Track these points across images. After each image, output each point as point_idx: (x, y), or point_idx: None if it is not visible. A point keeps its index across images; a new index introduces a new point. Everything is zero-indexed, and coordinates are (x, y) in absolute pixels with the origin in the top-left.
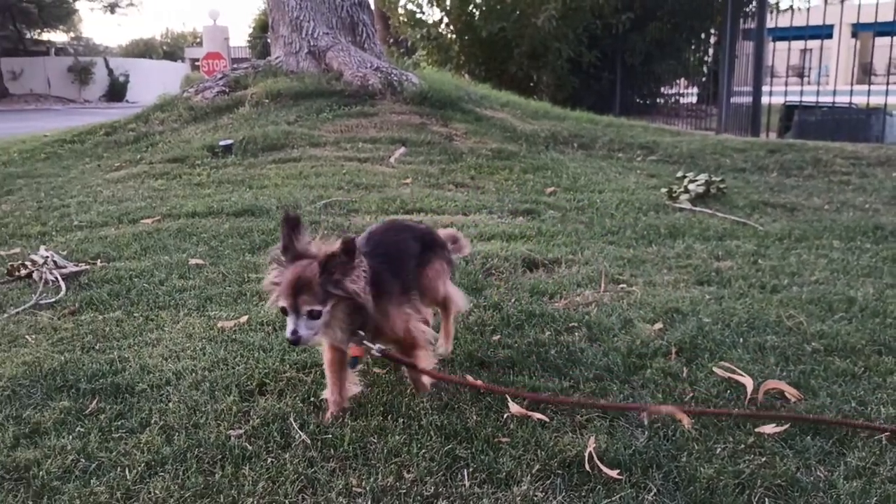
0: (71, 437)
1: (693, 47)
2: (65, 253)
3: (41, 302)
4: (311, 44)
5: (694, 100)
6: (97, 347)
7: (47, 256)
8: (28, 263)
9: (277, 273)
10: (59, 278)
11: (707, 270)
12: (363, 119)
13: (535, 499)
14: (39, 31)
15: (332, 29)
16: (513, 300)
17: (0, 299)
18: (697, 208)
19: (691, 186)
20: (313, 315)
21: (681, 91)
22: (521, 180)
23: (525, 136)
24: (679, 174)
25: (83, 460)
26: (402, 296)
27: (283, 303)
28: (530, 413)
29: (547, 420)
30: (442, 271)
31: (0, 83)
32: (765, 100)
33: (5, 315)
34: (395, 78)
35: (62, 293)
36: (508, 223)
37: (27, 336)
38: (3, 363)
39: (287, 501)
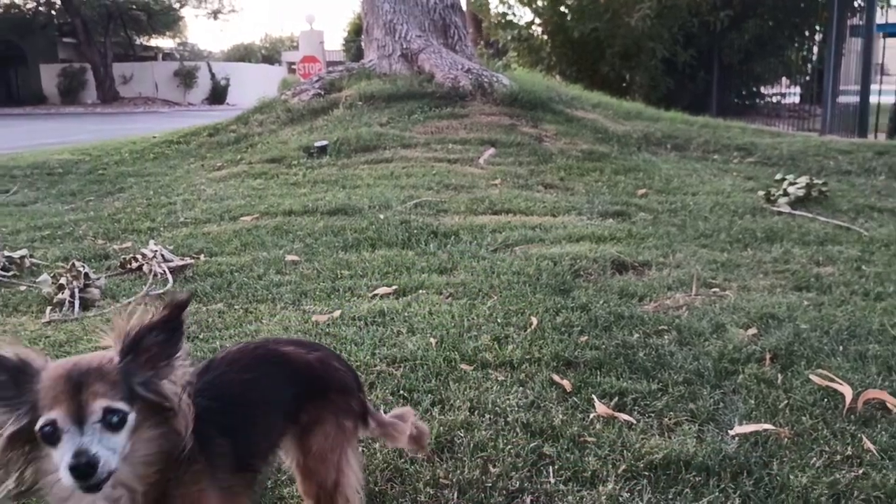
0: None
1: (796, 45)
2: (171, 247)
3: (151, 293)
4: (404, 46)
5: (796, 100)
6: (201, 337)
7: (156, 250)
8: (139, 257)
9: (29, 397)
10: (167, 271)
11: (806, 276)
12: (453, 120)
13: (621, 499)
14: (148, 37)
15: (424, 32)
16: (601, 301)
17: (114, 290)
18: (797, 212)
19: (791, 189)
20: (111, 423)
21: (782, 91)
22: (611, 182)
23: (616, 137)
24: (778, 176)
25: None
26: (233, 474)
27: (51, 412)
28: (616, 414)
29: (634, 422)
30: (339, 439)
31: (112, 87)
32: (873, 99)
33: (118, 304)
34: (485, 79)
35: (169, 285)
36: (598, 225)
37: None
38: None
39: (377, 489)
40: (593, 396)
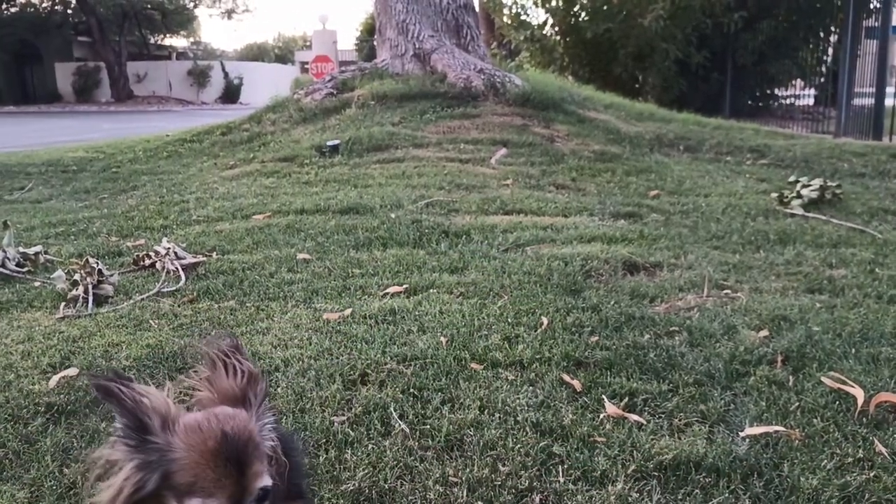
0: None
1: (810, 46)
2: (184, 245)
3: (163, 290)
4: (417, 46)
5: (810, 102)
6: (213, 334)
7: (169, 248)
8: (152, 254)
9: (139, 462)
10: (179, 268)
11: (819, 278)
12: (465, 120)
13: (630, 499)
14: (162, 36)
15: (437, 32)
16: (612, 302)
17: (127, 286)
18: (810, 214)
19: (804, 191)
20: (260, 499)
21: (796, 92)
22: (623, 183)
23: (629, 138)
24: (791, 179)
25: None
26: None
27: (210, 499)
28: (627, 414)
29: (644, 422)
30: None
31: (126, 86)
32: (888, 102)
33: (131, 301)
34: (498, 80)
35: (182, 282)
36: (610, 226)
37: (151, 321)
38: (130, 345)
39: (386, 486)
40: (603, 397)
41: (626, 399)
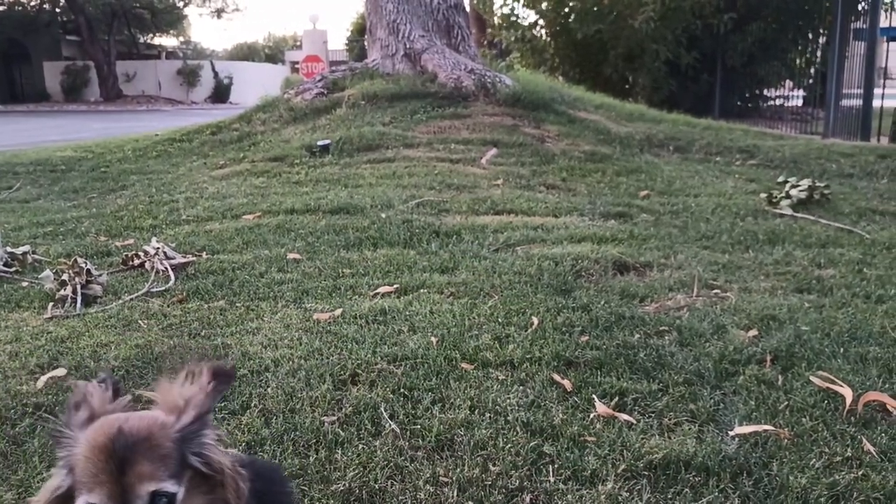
0: None
1: (799, 48)
2: (174, 245)
3: (152, 290)
4: (407, 46)
5: (799, 103)
6: (203, 334)
7: (158, 248)
8: (141, 254)
9: (68, 456)
10: (169, 268)
11: (807, 278)
12: (456, 120)
13: (620, 498)
14: (152, 35)
15: (427, 32)
16: (602, 302)
17: (116, 286)
18: (799, 214)
19: (793, 192)
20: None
21: (785, 94)
22: (613, 183)
23: (619, 138)
24: (780, 179)
25: None
26: None
27: (91, 495)
28: (617, 414)
29: (634, 422)
30: None
31: (115, 85)
32: (876, 103)
33: (120, 301)
34: (488, 80)
35: (171, 282)
36: (600, 226)
37: (140, 321)
38: (119, 345)
39: (377, 486)
40: (594, 396)
41: (616, 398)
